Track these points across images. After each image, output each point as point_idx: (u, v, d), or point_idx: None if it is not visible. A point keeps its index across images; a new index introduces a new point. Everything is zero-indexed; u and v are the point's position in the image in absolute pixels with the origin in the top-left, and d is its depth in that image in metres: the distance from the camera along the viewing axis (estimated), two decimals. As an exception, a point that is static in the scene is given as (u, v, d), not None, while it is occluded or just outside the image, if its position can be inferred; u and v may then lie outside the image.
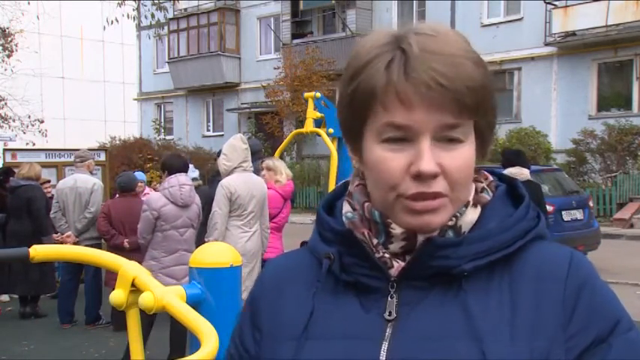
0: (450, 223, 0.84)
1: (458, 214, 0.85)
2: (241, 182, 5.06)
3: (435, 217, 0.83)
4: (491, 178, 0.94)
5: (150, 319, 4.90)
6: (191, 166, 6.51)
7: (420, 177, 0.81)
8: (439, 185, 0.81)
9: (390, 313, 0.84)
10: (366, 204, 0.88)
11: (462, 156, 0.82)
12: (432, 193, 0.81)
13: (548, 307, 0.80)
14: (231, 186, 5.01)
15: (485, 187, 0.91)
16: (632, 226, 14.85)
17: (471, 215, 0.87)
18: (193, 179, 6.25)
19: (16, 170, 7.75)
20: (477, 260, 0.82)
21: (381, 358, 0.81)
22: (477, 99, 0.81)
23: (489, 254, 0.83)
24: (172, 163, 5.35)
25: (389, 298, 0.85)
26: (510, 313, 0.80)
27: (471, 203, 0.87)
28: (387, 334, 0.83)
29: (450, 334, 0.80)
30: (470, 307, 0.81)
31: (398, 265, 0.85)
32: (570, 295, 0.81)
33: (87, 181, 6.89)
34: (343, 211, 0.92)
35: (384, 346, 0.82)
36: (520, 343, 0.78)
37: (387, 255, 0.85)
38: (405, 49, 0.81)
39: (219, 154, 5.39)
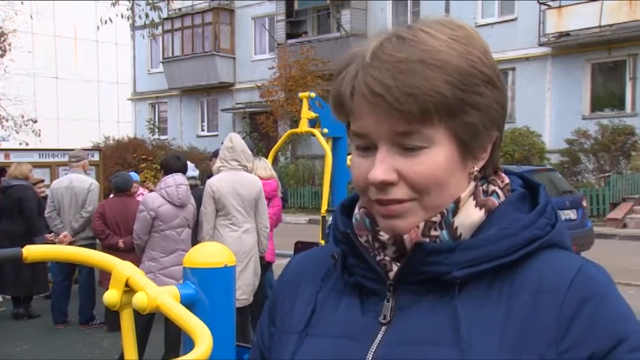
0: (435, 219, 0.82)
1: (445, 212, 0.82)
2: (225, 181, 5.08)
3: (402, 222, 0.82)
4: (507, 180, 0.89)
5: (148, 321, 4.89)
6: (192, 165, 6.51)
7: (374, 185, 0.81)
8: (398, 192, 0.80)
9: (384, 316, 0.83)
10: (362, 210, 0.88)
11: (424, 161, 0.79)
12: (389, 200, 0.81)
13: (542, 320, 0.76)
14: (213, 185, 5.07)
15: (497, 190, 0.87)
16: (625, 225, 14.90)
17: (472, 217, 0.83)
18: (192, 178, 6.24)
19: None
20: (470, 268, 0.80)
21: None
22: (430, 104, 0.77)
23: (484, 262, 0.80)
24: (170, 163, 5.35)
25: (385, 302, 0.84)
26: (502, 324, 0.77)
27: (472, 203, 0.84)
28: (378, 337, 0.82)
29: (433, 340, 0.79)
30: (459, 314, 0.78)
31: (397, 268, 0.84)
32: (569, 308, 0.76)
33: (84, 181, 6.88)
34: (354, 212, 0.91)
35: (372, 349, 0.82)
36: (505, 356, 0.75)
37: (387, 258, 0.85)
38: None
39: (215, 154, 5.40)
